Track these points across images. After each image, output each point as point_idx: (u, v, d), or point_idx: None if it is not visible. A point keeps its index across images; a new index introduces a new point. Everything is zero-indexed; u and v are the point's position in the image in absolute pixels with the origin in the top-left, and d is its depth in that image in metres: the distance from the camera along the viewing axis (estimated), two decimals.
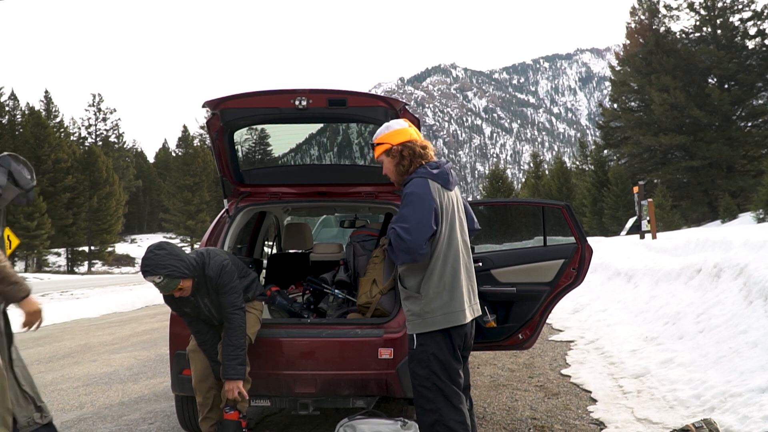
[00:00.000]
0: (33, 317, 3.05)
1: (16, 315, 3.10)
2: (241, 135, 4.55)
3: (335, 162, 5.59)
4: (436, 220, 2.89)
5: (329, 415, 4.67)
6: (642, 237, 18.10)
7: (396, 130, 3.08)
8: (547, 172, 62.37)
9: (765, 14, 41.02)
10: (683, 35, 44.07)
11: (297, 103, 3.87)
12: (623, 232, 23.71)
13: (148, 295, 17.82)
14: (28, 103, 58.96)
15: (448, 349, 2.90)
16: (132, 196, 77.90)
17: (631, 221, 21.72)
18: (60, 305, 14.68)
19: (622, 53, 47.24)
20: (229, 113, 4.08)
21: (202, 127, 65.59)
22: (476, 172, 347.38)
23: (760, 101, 41.41)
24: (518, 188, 70.78)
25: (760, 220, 28.13)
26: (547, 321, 5.56)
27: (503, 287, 4.38)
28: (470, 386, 3.24)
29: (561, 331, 8.52)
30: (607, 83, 57.32)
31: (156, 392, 5.78)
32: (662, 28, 44.27)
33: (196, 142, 70.42)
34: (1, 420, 2.89)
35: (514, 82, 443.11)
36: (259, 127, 4.77)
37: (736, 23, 42.14)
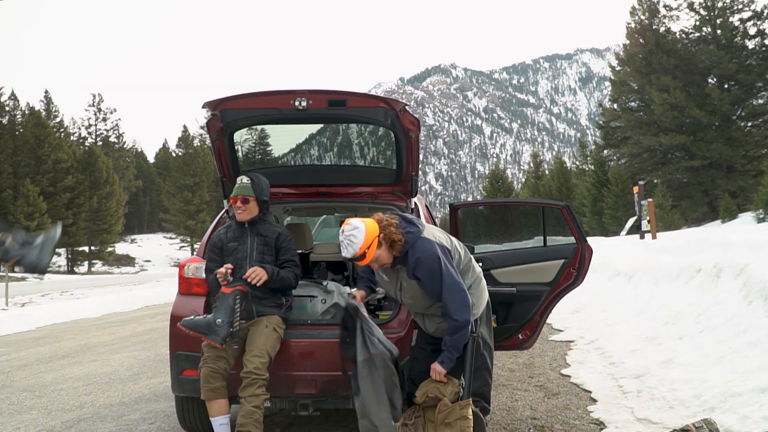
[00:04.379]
0: None
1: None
2: (241, 135, 4.55)
3: (335, 162, 5.58)
4: None
5: (329, 416, 4.67)
6: (642, 237, 18.10)
7: (366, 231, 3.23)
8: (547, 172, 62.39)
9: (765, 14, 41.02)
10: (683, 35, 44.05)
11: (297, 103, 3.86)
12: (623, 232, 23.71)
13: (148, 295, 17.85)
14: (28, 103, 58.86)
15: None
16: (132, 196, 77.84)
17: (631, 221, 21.73)
18: (60, 305, 14.68)
19: (622, 53, 47.23)
20: (228, 114, 4.08)
21: (202, 127, 65.60)
22: (476, 172, 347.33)
23: (760, 101, 41.41)
24: (518, 188, 70.79)
25: (760, 220, 28.12)
26: (547, 321, 5.56)
27: (503, 287, 4.39)
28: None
29: (561, 331, 8.52)
30: (607, 83, 57.33)
31: (156, 392, 5.78)
32: (662, 28, 44.27)
33: (196, 142, 70.39)
34: None
35: (514, 82, 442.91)
36: (259, 127, 4.76)
37: (736, 23, 42.14)
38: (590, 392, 5.21)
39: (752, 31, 41.82)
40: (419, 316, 3.52)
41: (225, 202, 4.64)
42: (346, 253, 3.22)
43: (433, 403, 3.32)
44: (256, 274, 3.66)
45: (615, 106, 47.31)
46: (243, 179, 3.88)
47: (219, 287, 3.73)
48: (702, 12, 42.61)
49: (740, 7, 41.78)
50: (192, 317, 3.63)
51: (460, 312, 3.23)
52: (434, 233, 3.42)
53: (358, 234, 3.20)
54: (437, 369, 3.32)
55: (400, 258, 3.32)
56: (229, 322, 3.55)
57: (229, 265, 3.72)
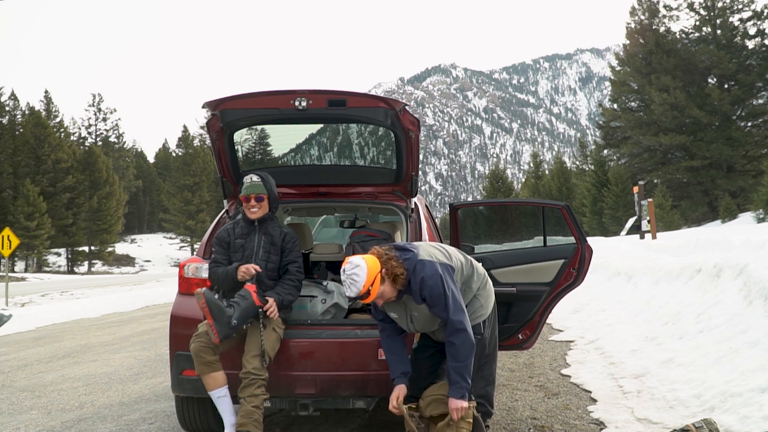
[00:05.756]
0: None
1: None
2: (241, 135, 4.54)
3: (335, 162, 5.58)
4: None
5: (329, 416, 4.67)
6: (642, 237, 18.13)
7: (368, 268, 3.17)
8: (547, 172, 62.45)
9: (765, 14, 41.07)
10: (683, 35, 44.11)
11: (297, 103, 3.86)
12: (623, 232, 23.74)
13: (148, 295, 17.84)
14: (28, 103, 58.90)
15: None
16: (132, 196, 77.88)
17: (631, 221, 21.77)
18: (60, 305, 14.68)
19: (622, 53, 47.28)
20: (228, 114, 4.08)
21: (202, 127, 65.61)
22: (476, 172, 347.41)
23: (760, 101, 41.49)
24: (518, 188, 70.80)
25: (760, 220, 28.15)
26: (547, 321, 5.55)
27: (503, 287, 4.39)
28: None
29: (561, 331, 8.51)
30: (607, 83, 57.38)
31: (156, 392, 5.78)
32: (662, 28, 44.33)
33: (196, 142, 70.39)
34: None
35: (514, 82, 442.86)
36: (259, 127, 4.76)
37: (736, 23, 42.20)
38: (590, 392, 5.21)
39: (752, 31, 41.90)
40: (431, 332, 3.52)
41: (225, 202, 4.64)
42: (350, 292, 3.17)
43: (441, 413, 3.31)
44: (273, 309, 3.69)
45: (615, 106, 47.38)
46: (253, 178, 3.88)
47: (226, 282, 3.74)
48: (702, 12, 42.66)
49: (740, 7, 41.86)
50: (216, 296, 3.63)
51: (459, 333, 3.20)
52: (429, 251, 3.37)
53: (359, 272, 3.15)
54: (458, 406, 3.17)
55: (404, 289, 3.29)
56: (237, 327, 3.57)
57: (256, 267, 3.73)
